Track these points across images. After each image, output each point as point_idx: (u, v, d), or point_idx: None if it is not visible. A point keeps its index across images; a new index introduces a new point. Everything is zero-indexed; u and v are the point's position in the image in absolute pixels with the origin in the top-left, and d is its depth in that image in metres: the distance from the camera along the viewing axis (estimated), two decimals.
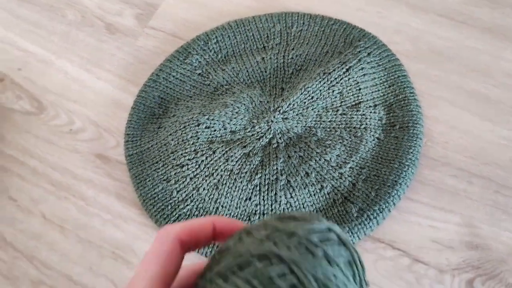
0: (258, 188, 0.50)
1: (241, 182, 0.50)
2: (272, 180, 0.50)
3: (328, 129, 0.53)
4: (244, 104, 0.54)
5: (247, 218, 0.49)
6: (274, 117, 0.53)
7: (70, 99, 0.59)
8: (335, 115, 0.53)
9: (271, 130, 0.53)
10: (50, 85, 0.60)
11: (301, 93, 0.53)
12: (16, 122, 0.58)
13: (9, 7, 0.66)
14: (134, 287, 0.24)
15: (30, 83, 0.60)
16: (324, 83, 0.54)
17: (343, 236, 0.24)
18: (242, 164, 0.51)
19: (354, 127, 0.53)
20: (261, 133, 0.53)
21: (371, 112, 0.54)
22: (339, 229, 0.24)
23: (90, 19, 0.65)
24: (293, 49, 0.59)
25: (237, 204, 0.50)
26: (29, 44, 0.63)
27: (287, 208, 0.49)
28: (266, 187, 0.50)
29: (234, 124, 0.53)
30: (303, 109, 0.54)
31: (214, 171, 0.51)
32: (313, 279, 0.22)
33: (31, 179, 0.54)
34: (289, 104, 0.53)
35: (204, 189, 0.50)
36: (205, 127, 0.52)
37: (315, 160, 0.51)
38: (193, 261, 0.30)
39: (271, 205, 0.50)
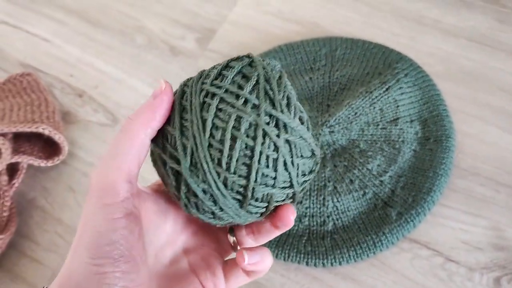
0: (308, 193, 0.57)
1: None
2: (321, 186, 0.58)
3: (370, 142, 0.60)
4: None
5: (298, 219, 0.57)
6: (321, 130, 0.60)
7: None
8: (376, 129, 0.60)
9: (319, 142, 0.60)
10: (123, 100, 0.68)
11: (346, 109, 0.61)
12: (94, 133, 0.66)
13: (85, 31, 0.75)
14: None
15: (105, 98, 0.69)
16: (366, 101, 0.61)
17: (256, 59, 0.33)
18: None
19: (393, 140, 0.60)
20: None
21: (408, 127, 0.60)
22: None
23: (156, 42, 0.73)
24: (337, 70, 0.66)
25: None
26: (104, 65, 0.72)
27: (334, 212, 0.56)
28: (316, 192, 0.57)
29: None
30: (348, 123, 0.61)
31: None
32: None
33: None
34: (335, 119, 0.61)
35: None
36: None
37: (358, 169, 0.58)
38: None
39: (320, 208, 0.57)
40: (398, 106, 0.61)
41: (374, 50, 0.66)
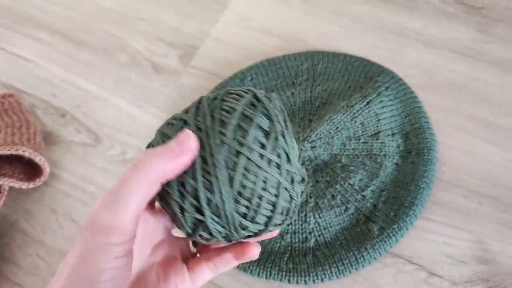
0: None
1: None
2: (302, 202, 0.57)
3: (352, 156, 0.60)
4: None
5: (280, 236, 0.56)
6: (303, 145, 0.60)
7: (123, 132, 0.67)
8: (357, 143, 0.60)
9: (300, 158, 0.60)
10: (106, 119, 0.68)
11: (327, 124, 0.60)
12: (77, 153, 0.66)
13: (68, 51, 0.76)
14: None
15: (88, 118, 0.69)
16: (347, 115, 0.61)
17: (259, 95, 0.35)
18: None
19: (375, 154, 0.59)
20: None
21: (389, 140, 0.60)
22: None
23: (139, 60, 0.73)
24: (319, 84, 0.66)
25: None
26: (87, 84, 0.72)
27: (316, 228, 0.56)
28: (297, 208, 0.57)
29: None
30: (329, 138, 0.60)
31: None
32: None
33: (90, 203, 0.62)
34: (317, 134, 0.60)
35: None
36: None
37: (340, 184, 0.58)
38: None
39: (301, 224, 0.56)
40: (379, 120, 0.61)
41: (356, 63, 0.66)
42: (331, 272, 0.53)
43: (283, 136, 0.34)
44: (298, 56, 0.68)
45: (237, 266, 0.55)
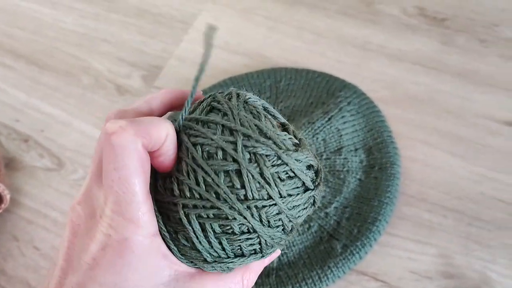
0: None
1: None
2: None
3: None
4: None
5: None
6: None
7: (86, 155, 0.66)
8: (320, 160, 0.59)
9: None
10: (69, 143, 0.67)
11: None
12: (39, 178, 0.65)
13: (32, 75, 0.75)
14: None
15: (51, 142, 0.68)
16: (309, 132, 0.60)
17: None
18: None
19: (338, 170, 0.59)
20: None
21: (352, 156, 0.59)
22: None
23: (102, 82, 0.73)
24: (281, 101, 0.65)
25: None
26: (50, 107, 0.71)
27: None
28: None
29: None
30: None
31: None
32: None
33: (53, 229, 0.61)
34: None
35: None
36: None
37: None
38: None
39: None
40: (341, 136, 0.60)
41: (318, 79, 0.66)
42: None
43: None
44: (261, 74, 0.68)
45: None
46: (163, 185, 0.32)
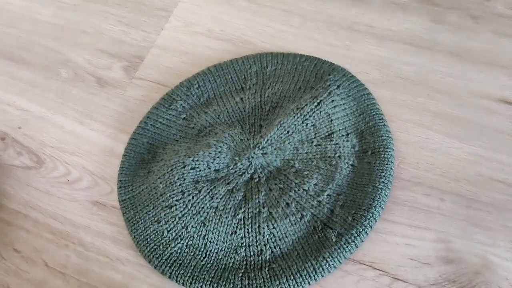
0: (242, 222, 0.54)
1: (226, 217, 0.54)
2: (255, 213, 0.54)
3: (305, 160, 0.56)
4: (226, 143, 0.58)
5: (234, 251, 0.53)
6: (254, 153, 0.57)
7: (66, 151, 0.63)
8: (310, 146, 0.57)
9: (252, 166, 0.57)
10: (48, 139, 0.64)
11: (277, 129, 0.57)
12: (18, 177, 0.62)
13: (8, 70, 0.71)
14: None
15: (29, 139, 0.65)
16: (298, 118, 0.57)
17: None
18: (226, 201, 0.55)
19: (329, 157, 0.56)
20: (243, 169, 0.57)
21: (344, 141, 0.57)
22: None
23: (82, 75, 0.70)
24: (268, 87, 0.63)
25: (224, 239, 0.53)
26: (28, 103, 0.68)
27: (271, 239, 0.53)
28: (250, 220, 0.54)
29: (217, 163, 0.57)
30: (280, 143, 0.57)
31: (200, 209, 0.54)
32: None
33: (33, 230, 0.58)
34: (267, 140, 0.57)
35: (192, 227, 0.54)
36: (191, 168, 0.56)
37: (295, 191, 0.54)
38: None
39: (256, 237, 0.53)
40: (331, 120, 0.58)
41: (306, 63, 0.63)
42: (288, 285, 0.50)
43: None
44: (246, 60, 0.65)
45: (189, 287, 0.51)
46: None
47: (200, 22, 0.72)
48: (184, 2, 0.74)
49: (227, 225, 0.54)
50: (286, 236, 0.53)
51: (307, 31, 0.68)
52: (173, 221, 0.54)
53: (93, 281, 0.54)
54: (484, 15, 0.66)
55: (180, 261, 0.52)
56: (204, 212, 0.54)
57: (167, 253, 0.53)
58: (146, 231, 0.54)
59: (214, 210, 0.54)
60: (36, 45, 0.74)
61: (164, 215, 0.55)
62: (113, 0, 0.77)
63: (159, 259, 0.53)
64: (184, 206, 0.55)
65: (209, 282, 0.51)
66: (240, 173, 0.56)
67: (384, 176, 0.54)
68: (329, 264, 0.50)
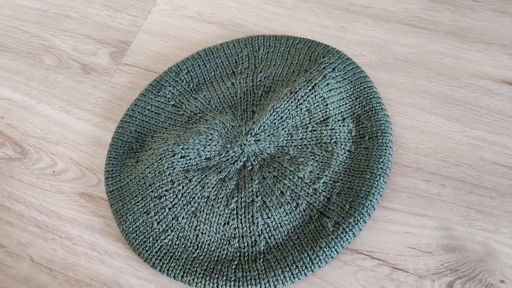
0: (235, 211, 0.51)
1: (218, 207, 0.52)
2: (248, 203, 0.52)
3: (300, 147, 0.54)
4: (217, 130, 0.56)
5: (227, 242, 0.51)
6: (246, 140, 0.55)
7: (51, 142, 0.61)
8: (305, 132, 0.55)
9: (244, 153, 0.54)
10: (32, 129, 0.62)
11: (270, 114, 0.55)
12: (1, 169, 0.60)
13: None
14: None
15: (13, 129, 0.62)
16: (291, 102, 0.55)
17: None
18: (218, 190, 0.52)
19: (325, 142, 0.54)
20: (235, 157, 0.54)
21: (340, 126, 0.55)
22: None
23: (66, 61, 0.67)
24: (261, 71, 0.60)
25: (216, 230, 0.51)
26: (10, 92, 0.65)
27: (265, 229, 0.50)
28: (243, 210, 0.51)
29: (208, 151, 0.55)
30: (274, 129, 0.55)
31: (191, 199, 0.52)
32: None
33: (18, 224, 0.55)
34: (260, 126, 0.55)
35: (183, 217, 0.52)
36: (180, 157, 0.54)
37: (289, 179, 0.52)
38: None
39: (249, 227, 0.51)
40: (327, 105, 0.56)
41: (299, 45, 0.61)
42: (284, 277, 0.48)
43: None
44: (237, 43, 0.63)
45: (181, 280, 0.49)
46: None
47: (189, 5, 0.69)
48: None
49: (219, 215, 0.51)
50: (281, 226, 0.51)
51: (300, 13, 0.66)
52: (163, 212, 0.52)
53: (81, 276, 0.52)
54: None
55: (171, 254, 0.50)
56: (195, 202, 0.52)
57: (157, 246, 0.51)
58: (135, 223, 0.52)
59: (205, 200, 0.52)
60: (18, 32, 0.71)
61: (154, 206, 0.52)
62: None
63: (149, 252, 0.50)
64: (174, 196, 0.52)
65: (201, 275, 0.49)
66: (232, 161, 0.54)
67: (382, 162, 0.52)
68: (326, 254, 0.48)
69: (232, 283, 0.48)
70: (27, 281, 0.52)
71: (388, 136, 0.53)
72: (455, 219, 0.50)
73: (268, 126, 0.55)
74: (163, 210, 0.52)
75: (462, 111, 0.55)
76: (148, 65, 0.65)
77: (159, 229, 0.51)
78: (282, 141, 0.55)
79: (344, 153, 0.53)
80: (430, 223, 0.50)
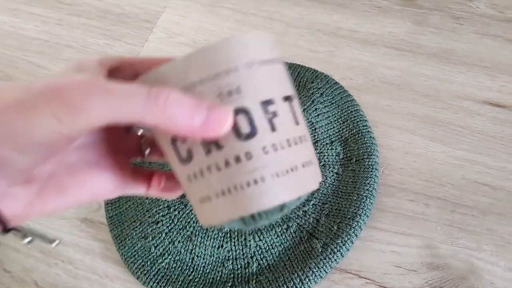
0: (228, 235, 0.54)
1: (212, 231, 0.54)
2: None
3: None
4: None
5: (221, 264, 0.53)
6: None
7: None
8: None
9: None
10: None
11: None
12: None
13: None
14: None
15: None
16: None
17: None
18: None
19: None
20: None
21: (328, 149, 0.57)
22: None
23: None
24: None
25: (210, 253, 0.53)
26: None
27: (257, 251, 0.53)
28: (236, 233, 0.54)
29: None
30: None
31: (187, 223, 0.55)
32: None
33: (23, 249, 0.58)
34: None
35: (179, 242, 0.54)
36: None
37: None
38: None
39: (242, 249, 0.53)
40: (315, 129, 0.58)
41: (289, 71, 0.63)
42: None
43: None
44: None
45: None
46: None
47: (184, 32, 0.72)
48: (167, 13, 0.74)
49: (214, 238, 0.54)
50: (272, 248, 0.53)
51: (290, 38, 0.68)
52: (160, 237, 0.54)
53: None
54: (467, 15, 0.66)
55: (168, 277, 0.53)
56: (190, 226, 0.54)
57: (155, 269, 0.53)
58: (134, 247, 0.55)
59: (200, 224, 0.54)
60: (20, 61, 0.74)
61: (151, 230, 0.55)
62: (96, 13, 0.77)
63: (147, 275, 0.53)
64: (171, 221, 0.55)
65: None
66: None
67: (368, 183, 0.54)
68: (315, 275, 0.50)
69: None
70: None
71: (374, 158, 0.55)
72: (439, 238, 0.52)
73: None
74: (160, 234, 0.54)
75: (445, 131, 0.58)
76: None
77: (156, 253, 0.54)
78: None
79: (332, 175, 0.56)
80: (415, 242, 0.52)
